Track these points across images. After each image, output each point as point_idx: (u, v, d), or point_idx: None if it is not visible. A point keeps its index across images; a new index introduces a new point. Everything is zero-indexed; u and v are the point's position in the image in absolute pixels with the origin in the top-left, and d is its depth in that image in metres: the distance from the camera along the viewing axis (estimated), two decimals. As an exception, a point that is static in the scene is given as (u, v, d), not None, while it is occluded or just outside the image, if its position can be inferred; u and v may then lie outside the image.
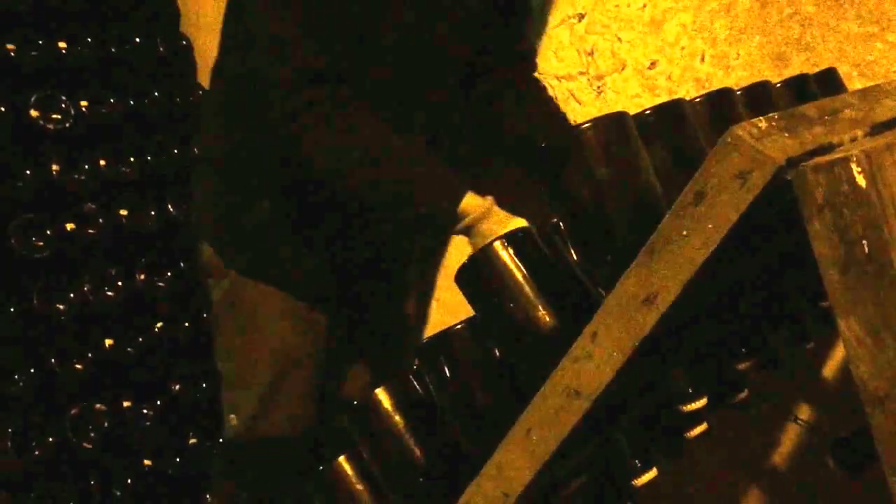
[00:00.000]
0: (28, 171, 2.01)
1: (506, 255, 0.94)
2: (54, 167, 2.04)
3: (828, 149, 0.77)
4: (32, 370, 1.95)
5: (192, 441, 2.18)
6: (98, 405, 2.01)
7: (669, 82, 1.70)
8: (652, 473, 0.93)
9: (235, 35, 1.47)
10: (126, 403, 2.07)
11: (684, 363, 0.91)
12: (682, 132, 0.94)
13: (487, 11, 1.48)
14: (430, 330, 2.06)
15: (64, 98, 2.08)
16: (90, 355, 2.04)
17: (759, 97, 1.13)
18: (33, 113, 2.03)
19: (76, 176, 2.07)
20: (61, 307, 2.01)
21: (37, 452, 1.91)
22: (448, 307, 2.07)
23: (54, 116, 2.07)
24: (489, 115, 1.57)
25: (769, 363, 1.09)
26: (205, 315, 2.28)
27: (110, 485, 2.03)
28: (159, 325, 2.17)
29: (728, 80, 1.61)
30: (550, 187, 0.87)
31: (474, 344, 0.99)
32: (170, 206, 2.23)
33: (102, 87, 2.17)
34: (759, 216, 0.75)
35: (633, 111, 0.91)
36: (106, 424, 2.01)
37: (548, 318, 0.92)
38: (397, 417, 1.07)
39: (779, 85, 1.23)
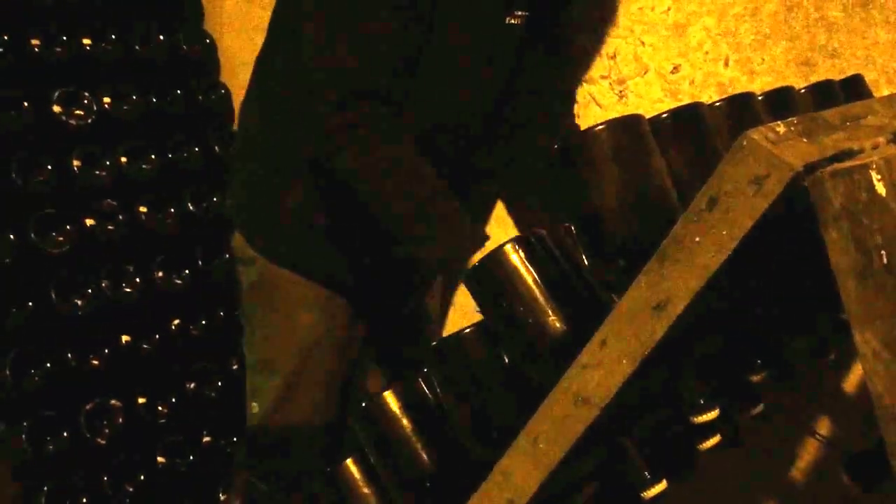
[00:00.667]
0: (49, 167, 2.01)
1: (516, 258, 0.92)
2: (75, 163, 2.05)
3: (848, 155, 0.74)
4: (49, 365, 1.95)
5: (206, 440, 2.17)
6: (113, 401, 2.02)
7: (692, 87, 1.67)
8: (661, 486, 0.90)
9: (287, 30, 1.46)
10: (141, 400, 2.07)
11: (696, 373, 0.89)
12: (699, 136, 0.92)
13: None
14: (446, 332, 2.04)
15: (87, 94, 2.09)
16: (106, 351, 2.04)
17: (780, 102, 1.10)
18: (56, 108, 2.04)
19: (97, 172, 2.08)
20: (79, 303, 2.01)
21: (51, 447, 1.92)
22: (464, 310, 2.05)
23: (77, 112, 2.07)
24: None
25: (785, 375, 1.06)
26: (221, 314, 2.28)
27: (123, 481, 2.03)
28: (176, 322, 2.17)
29: (752, 86, 1.58)
30: (562, 190, 0.85)
31: (483, 348, 0.97)
32: (189, 205, 2.23)
33: (125, 83, 2.17)
34: (774, 224, 0.73)
35: (653, 116, 0.89)
36: (120, 421, 2.01)
37: (557, 324, 0.91)
38: (405, 421, 1.06)
39: (803, 90, 1.20)
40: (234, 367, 2.27)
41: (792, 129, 0.74)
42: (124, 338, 2.08)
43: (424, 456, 1.04)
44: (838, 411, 1.58)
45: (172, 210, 2.20)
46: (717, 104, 1.00)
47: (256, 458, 1.70)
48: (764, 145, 0.69)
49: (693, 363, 0.90)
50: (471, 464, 0.98)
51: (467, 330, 0.98)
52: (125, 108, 2.16)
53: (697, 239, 0.73)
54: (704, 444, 0.99)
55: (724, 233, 0.72)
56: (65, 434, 1.94)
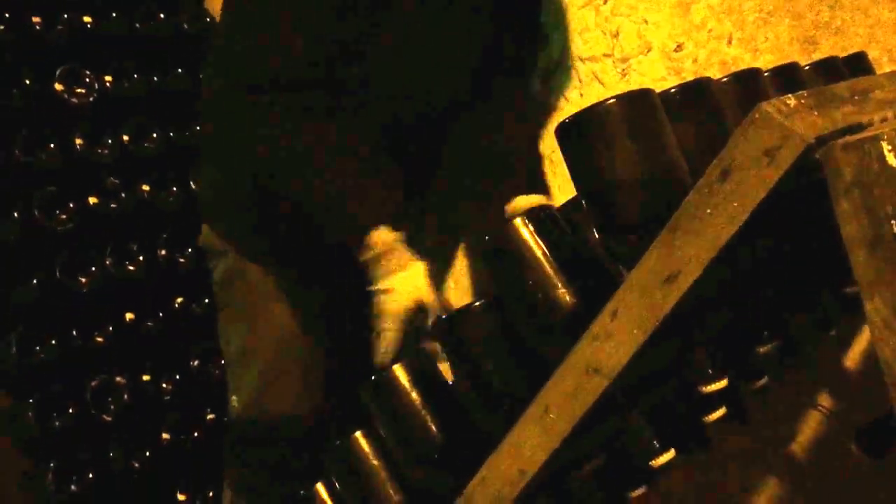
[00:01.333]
0: (52, 145, 2.02)
1: (526, 232, 0.94)
2: (78, 141, 2.05)
3: (857, 128, 0.75)
4: (54, 342, 1.96)
5: (210, 417, 2.19)
6: (118, 378, 2.03)
7: (696, 65, 1.68)
8: (670, 455, 0.92)
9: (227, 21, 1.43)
10: (145, 377, 2.09)
11: (705, 344, 0.90)
12: (708, 111, 0.93)
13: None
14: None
15: (88, 73, 2.09)
16: (111, 329, 2.05)
17: (787, 78, 1.11)
18: (58, 87, 2.04)
19: (99, 150, 2.08)
20: (83, 280, 2.02)
21: (57, 423, 1.93)
22: (464, 289, 2.06)
23: (78, 91, 2.07)
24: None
25: (790, 349, 1.07)
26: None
27: (129, 458, 2.05)
28: (180, 300, 2.18)
29: (756, 64, 1.59)
30: (573, 163, 0.86)
31: (493, 321, 0.98)
32: (191, 183, 2.24)
33: (127, 62, 2.17)
34: (785, 195, 0.74)
35: (658, 93, 0.90)
36: (126, 398, 2.03)
37: (567, 297, 0.92)
38: (414, 394, 1.07)
39: (807, 67, 1.21)
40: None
41: (802, 101, 0.74)
42: (128, 315, 2.09)
43: (434, 428, 1.06)
44: (839, 385, 1.60)
45: (175, 188, 2.21)
46: (724, 80, 1.01)
47: (240, 449, 1.68)
48: (776, 118, 0.70)
49: (703, 334, 0.91)
50: (481, 436, 0.99)
51: (477, 303, 1.00)
52: (127, 85, 2.16)
53: (709, 210, 0.74)
54: (711, 417, 1.00)
55: (736, 204, 0.73)
56: (71, 411, 1.95)
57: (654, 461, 0.91)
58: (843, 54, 1.38)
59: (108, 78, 2.13)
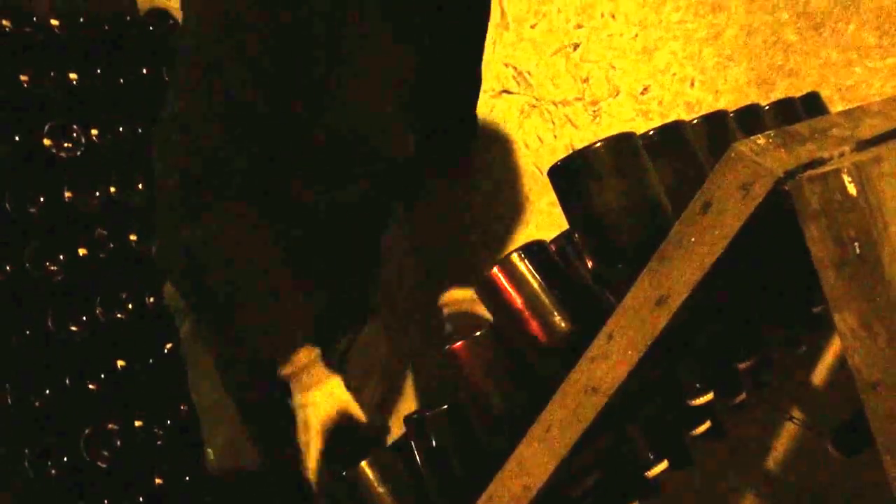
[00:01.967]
0: (42, 198, 2.07)
1: (523, 266, 1.02)
2: (67, 193, 2.11)
3: (820, 162, 0.85)
4: (48, 391, 2.00)
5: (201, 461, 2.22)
6: (110, 425, 2.06)
7: (661, 107, 1.79)
8: (663, 465, 1.00)
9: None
10: (138, 423, 2.12)
11: (692, 361, 0.99)
12: (683, 150, 1.02)
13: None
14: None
15: (76, 127, 2.15)
16: (102, 376, 2.09)
17: (750, 118, 1.21)
18: (46, 141, 2.10)
19: (88, 202, 2.14)
20: (74, 329, 2.06)
21: (53, 472, 1.96)
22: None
23: (66, 145, 2.13)
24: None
25: (766, 365, 1.17)
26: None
27: (122, 502, 2.08)
28: (169, 345, 2.23)
29: (717, 104, 1.70)
30: (566, 200, 0.95)
31: (494, 350, 1.06)
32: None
33: (112, 116, 2.23)
34: (759, 224, 0.83)
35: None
36: (118, 444, 2.06)
37: (563, 324, 1.00)
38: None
39: (767, 107, 1.32)
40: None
41: (770, 140, 0.84)
42: (119, 362, 2.12)
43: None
44: (809, 398, 1.70)
45: (161, 237, 2.26)
46: (695, 121, 1.11)
47: (218, 500, 1.71)
48: (749, 156, 0.79)
49: (689, 352, 1.00)
50: (487, 457, 1.06)
51: (479, 333, 1.07)
52: (112, 139, 2.22)
53: (693, 239, 0.83)
54: (697, 430, 1.08)
55: (717, 233, 0.82)
56: (65, 459, 1.98)
57: (649, 472, 0.99)
58: (797, 94, 1.50)
59: (94, 132, 2.18)
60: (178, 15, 2.42)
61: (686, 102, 1.76)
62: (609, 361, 0.91)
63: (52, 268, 2.06)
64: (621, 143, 0.95)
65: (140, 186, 2.25)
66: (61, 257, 2.07)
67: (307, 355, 1.35)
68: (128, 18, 2.34)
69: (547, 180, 0.98)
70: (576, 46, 1.87)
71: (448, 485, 1.12)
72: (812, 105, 1.44)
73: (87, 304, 2.10)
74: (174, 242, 1.38)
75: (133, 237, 2.21)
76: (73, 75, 2.18)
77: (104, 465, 2.03)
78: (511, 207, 1.95)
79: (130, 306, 2.16)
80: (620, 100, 1.83)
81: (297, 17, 1.26)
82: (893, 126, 1.08)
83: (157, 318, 2.21)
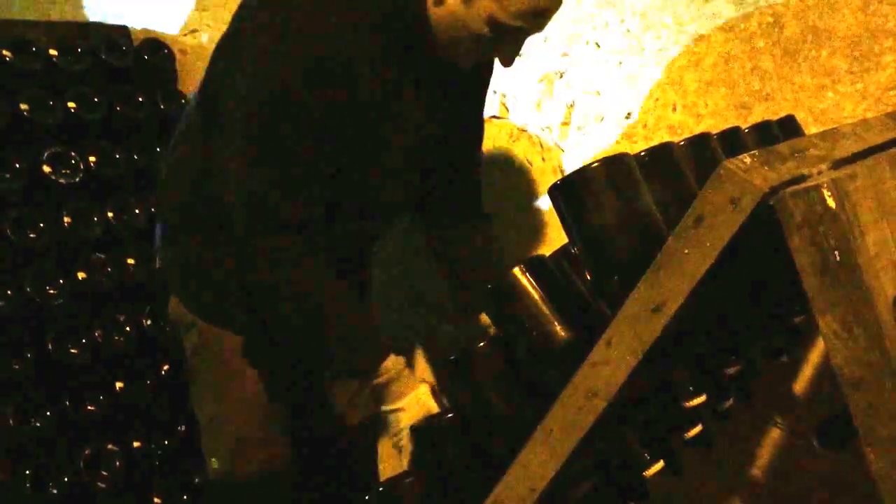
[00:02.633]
0: (41, 224, 2.11)
1: (525, 279, 1.09)
2: (66, 219, 2.15)
3: (801, 179, 0.92)
4: (49, 413, 2.03)
5: (198, 481, 2.25)
6: (110, 445, 2.09)
7: (645, 130, 1.87)
8: (659, 465, 1.06)
9: (209, 130, 1.50)
10: (136, 444, 2.16)
11: (685, 366, 1.05)
12: (672, 169, 1.10)
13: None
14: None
15: (74, 154, 2.19)
16: (102, 398, 2.13)
17: (731, 140, 1.29)
18: (46, 168, 2.14)
19: (86, 226, 2.18)
20: (74, 352, 2.10)
21: (54, 492, 1.99)
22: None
23: (65, 171, 2.18)
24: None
25: (752, 372, 1.23)
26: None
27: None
28: (166, 367, 2.26)
29: (698, 128, 1.79)
30: (566, 216, 1.01)
31: (497, 358, 1.12)
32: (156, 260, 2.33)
33: (109, 143, 2.28)
34: (746, 237, 0.90)
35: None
36: (118, 464, 2.09)
37: (562, 333, 1.06)
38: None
39: (747, 130, 1.40)
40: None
41: (755, 159, 0.91)
42: (118, 384, 2.16)
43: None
44: (791, 404, 1.77)
45: (158, 261, 2.30)
46: (682, 143, 1.19)
47: None
48: (738, 173, 0.86)
49: (683, 357, 1.06)
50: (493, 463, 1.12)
51: (481, 344, 1.14)
52: (109, 165, 2.27)
53: (687, 251, 0.90)
54: (690, 433, 1.15)
55: (709, 244, 0.89)
56: (66, 479, 2.01)
57: (646, 472, 1.05)
58: (773, 117, 1.59)
59: (91, 158, 2.23)
60: (171, 45, 2.49)
61: (669, 126, 1.84)
62: (608, 367, 0.97)
63: (52, 291, 2.10)
64: (617, 163, 1.02)
65: (137, 211, 2.29)
66: (61, 281, 2.11)
67: (394, 365, 1.43)
68: (124, 49, 2.39)
69: (538, 201, 1.05)
70: (562, 74, 1.95)
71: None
72: (788, 127, 1.53)
73: (86, 328, 2.14)
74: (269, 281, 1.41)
75: (130, 261, 2.25)
76: (71, 104, 2.23)
77: (104, 486, 2.06)
78: (501, 229, 2.02)
79: (128, 329, 2.20)
80: (605, 124, 1.91)
81: (345, 101, 1.37)
82: (865, 146, 1.16)
83: (155, 340, 2.25)
